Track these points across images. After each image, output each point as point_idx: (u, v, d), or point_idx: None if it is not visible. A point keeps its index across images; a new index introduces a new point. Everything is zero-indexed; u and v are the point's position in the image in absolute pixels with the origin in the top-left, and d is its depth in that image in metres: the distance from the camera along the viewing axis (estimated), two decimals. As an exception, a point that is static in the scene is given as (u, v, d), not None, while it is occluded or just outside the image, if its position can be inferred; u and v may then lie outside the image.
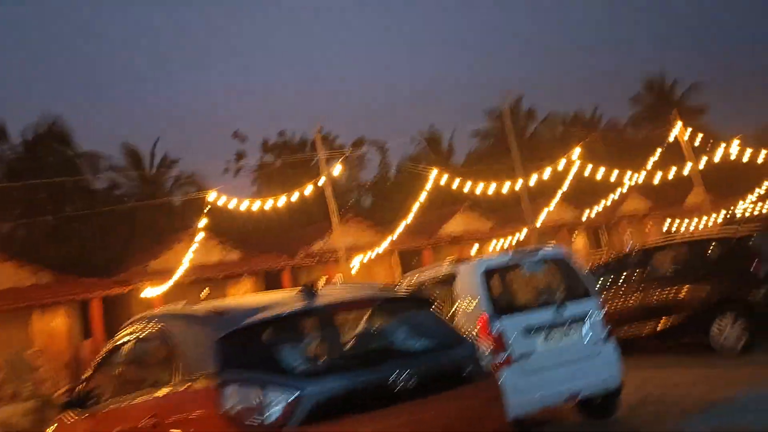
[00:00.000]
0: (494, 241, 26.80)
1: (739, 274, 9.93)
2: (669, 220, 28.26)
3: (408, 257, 26.08)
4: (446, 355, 4.49)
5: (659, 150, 21.58)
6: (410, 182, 38.52)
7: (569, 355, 7.16)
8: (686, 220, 27.79)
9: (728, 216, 14.35)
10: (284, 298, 4.70)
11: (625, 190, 22.81)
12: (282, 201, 17.30)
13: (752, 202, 27.91)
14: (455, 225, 28.52)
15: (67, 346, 19.52)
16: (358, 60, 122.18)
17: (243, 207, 17.40)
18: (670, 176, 21.52)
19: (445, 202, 29.00)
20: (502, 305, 7.19)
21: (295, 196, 17.33)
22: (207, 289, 21.18)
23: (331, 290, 5.00)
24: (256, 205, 17.54)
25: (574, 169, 20.59)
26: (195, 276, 20.17)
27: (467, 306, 7.17)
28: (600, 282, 11.48)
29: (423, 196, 19.14)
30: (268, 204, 17.49)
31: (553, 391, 6.95)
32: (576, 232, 29.86)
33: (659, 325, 10.58)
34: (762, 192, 27.06)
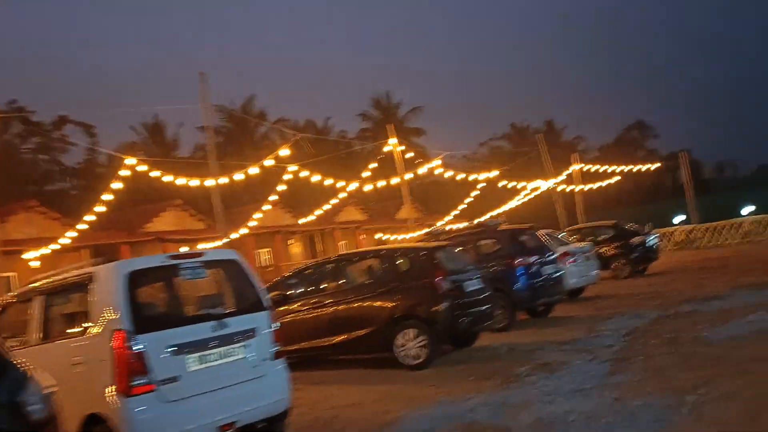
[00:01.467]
0: (209, 244, 25.32)
1: (423, 288, 9.83)
2: (381, 234, 29.28)
3: (103, 255, 23.54)
4: None
5: (373, 163, 22.07)
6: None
7: (228, 378, 6.11)
8: (395, 236, 29.04)
9: (430, 230, 14.70)
10: None
11: (338, 198, 22.89)
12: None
13: (453, 218, 30.29)
14: (163, 223, 26.67)
15: None
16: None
17: None
18: (379, 185, 22.02)
19: (152, 198, 27.03)
20: (147, 319, 5.88)
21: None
22: None
23: None
24: None
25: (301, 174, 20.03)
26: None
27: (103, 320, 5.75)
28: (290, 292, 10.76)
29: (117, 187, 16.98)
30: None
31: (200, 423, 5.83)
32: (292, 238, 29.53)
33: (346, 338, 10.11)
34: (464, 207, 29.38)
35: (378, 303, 10.00)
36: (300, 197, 28.23)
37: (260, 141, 47.92)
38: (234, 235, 20.67)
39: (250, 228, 26.82)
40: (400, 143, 30.47)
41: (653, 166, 36.44)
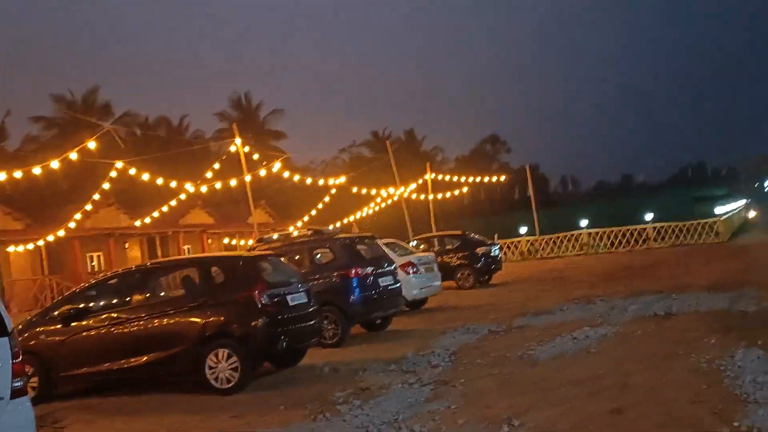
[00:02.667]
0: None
1: (238, 302, 8.83)
2: (227, 239, 27.76)
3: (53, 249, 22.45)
4: None
5: (216, 163, 20.69)
6: None
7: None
8: (245, 241, 27.65)
9: (262, 238, 13.60)
10: None
11: (179, 199, 21.21)
12: None
13: (303, 225, 29.40)
14: (99, 220, 25.39)
15: None
16: None
17: None
18: (217, 186, 20.59)
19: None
20: None
21: None
22: None
23: None
24: None
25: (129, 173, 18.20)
26: None
27: None
28: (90, 305, 9.37)
29: None
30: None
31: None
32: (128, 241, 27.31)
33: (152, 359, 8.89)
34: (315, 214, 28.52)
35: (188, 319, 8.86)
36: (141, 198, 26.14)
37: (104, 135, 44.49)
38: (50, 238, 18.55)
39: (76, 230, 24.54)
40: (258, 146, 29.21)
41: (498, 179, 37.53)
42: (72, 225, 18.03)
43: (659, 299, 13.02)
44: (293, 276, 9.88)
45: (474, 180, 35.14)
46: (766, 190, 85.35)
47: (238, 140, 20.98)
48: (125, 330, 9.00)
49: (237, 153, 21.26)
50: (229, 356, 8.69)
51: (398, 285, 13.07)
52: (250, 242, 13.05)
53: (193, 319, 8.84)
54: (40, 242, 19.21)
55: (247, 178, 18.67)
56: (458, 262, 21.15)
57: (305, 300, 9.67)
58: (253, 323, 8.76)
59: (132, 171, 17.08)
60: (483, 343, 10.49)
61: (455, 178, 34.15)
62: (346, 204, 31.48)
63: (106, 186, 16.96)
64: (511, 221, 48.35)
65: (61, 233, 18.32)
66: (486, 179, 37.07)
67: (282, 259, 10.23)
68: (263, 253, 10.34)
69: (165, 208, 21.87)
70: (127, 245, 27.28)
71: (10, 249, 19.85)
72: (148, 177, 17.72)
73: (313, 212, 28.27)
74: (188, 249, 29.66)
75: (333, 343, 11.68)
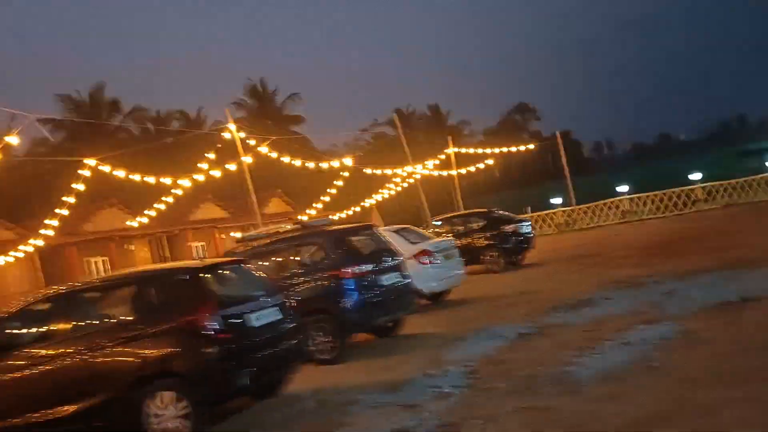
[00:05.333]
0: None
1: (181, 330, 6.80)
2: (241, 232, 25.80)
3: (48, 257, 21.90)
4: None
5: (210, 153, 18.71)
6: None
7: None
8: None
9: (242, 236, 11.55)
10: None
11: (178, 193, 19.32)
12: None
13: (317, 213, 27.38)
14: (100, 222, 24.95)
15: None
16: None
17: None
18: (217, 174, 18.53)
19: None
20: None
21: None
22: None
23: None
24: None
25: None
26: None
27: None
28: (10, 338, 7.44)
29: None
30: None
31: None
32: (133, 243, 25.63)
33: (77, 409, 6.93)
34: (327, 200, 26.34)
35: (121, 355, 6.88)
36: (143, 196, 24.45)
37: (114, 133, 43.09)
38: (36, 242, 16.89)
39: (71, 233, 22.95)
40: (276, 131, 27.16)
41: (526, 149, 34.89)
42: (53, 223, 16.25)
43: (727, 278, 10.58)
44: (258, 288, 7.79)
45: (500, 151, 32.59)
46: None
47: (232, 125, 19.02)
48: (48, 371, 7.06)
49: (245, 139, 19.36)
50: (177, 400, 6.69)
51: (407, 281, 10.91)
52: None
53: (126, 356, 6.84)
54: (30, 248, 17.61)
55: (247, 159, 16.70)
56: (484, 243, 18.91)
57: (277, 317, 7.61)
58: (202, 355, 6.73)
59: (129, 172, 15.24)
60: (509, 354, 8.31)
61: (479, 151, 31.67)
62: (363, 187, 29.35)
63: (80, 187, 15.18)
64: (544, 192, 45.76)
65: (47, 233, 16.59)
66: (514, 149, 34.45)
67: (244, 266, 8.15)
68: (216, 260, 8.27)
69: (162, 206, 20.05)
70: (132, 247, 25.64)
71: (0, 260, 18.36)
72: (141, 175, 15.88)
73: (327, 198, 26.17)
74: (200, 247, 27.97)
75: (329, 359, 9.65)
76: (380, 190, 28.63)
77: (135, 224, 21.50)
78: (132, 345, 6.83)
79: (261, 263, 10.27)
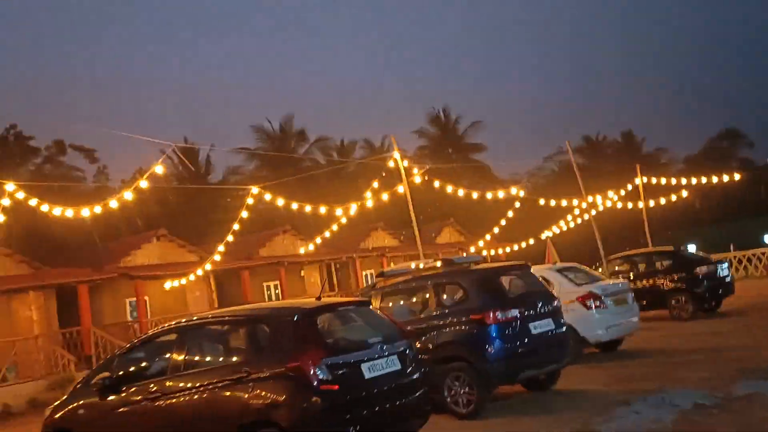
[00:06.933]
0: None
1: (284, 377, 6.16)
2: (410, 262, 25.46)
3: (224, 279, 23.64)
4: None
5: (375, 181, 18.54)
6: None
7: None
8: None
9: (382, 273, 10.84)
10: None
11: (343, 221, 19.42)
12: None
13: (485, 244, 26.26)
14: (274, 248, 26.26)
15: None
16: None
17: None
18: (369, 204, 18.39)
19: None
20: None
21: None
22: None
23: None
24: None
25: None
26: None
27: None
28: (132, 371, 7.35)
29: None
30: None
31: None
32: (303, 268, 26.24)
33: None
34: (496, 231, 25.14)
35: (224, 399, 6.45)
36: (316, 222, 25.09)
37: (299, 162, 45.24)
38: (208, 267, 17.74)
39: (243, 259, 23.98)
40: (457, 160, 26.73)
41: (731, 178, 30.97)
42: (220, 248, 17.10)
43: None
44: (378, 333, 7.01)
45: (698, 181, 29.24)
46: None
47: (396, 154, 18.72)
48: (154, 411, 6.82)
49: (410, 168, 19.06)
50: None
51: (562, 330, 9.56)
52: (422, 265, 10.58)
53: (229, 400, 6.39)
54: (208, 266, 18.60)
55: (406, 185, 16.37)
56: (671, 286, 16.69)
57: (395, 367, 6.78)
58: (303, 407, 6.08)
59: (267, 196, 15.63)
60: (677, 433, 6.76)
61: (673, 181, 28.62)
62: (540, 218, 27.73)
63: (244, 214, 15.67)
64: (753, 229, 40.63)
65: (216, 258, 17.44)
66: (715, 179, 30.80)
67: (369, 307, 7.44)
68: (335, 301, 7.64)
69: (327, 233, 20.26)
70: (303, 273, 26.27)
71: (174, 283, 19.67)
72: (282, 202, 16.12)
73: (496, 230, 24.97)
74: (368, 275, 28.04)
75: (467, 413, 8.63)
76: (560, 223, 26.88)
77: (302, 251, 21.99)
78: (237, 388, 6.36)
79: (397, 302, 9.57)
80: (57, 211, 11.07)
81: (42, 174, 30.23)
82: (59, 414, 7.70)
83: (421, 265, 10.45)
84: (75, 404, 7.60)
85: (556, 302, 9.70)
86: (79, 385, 7.88)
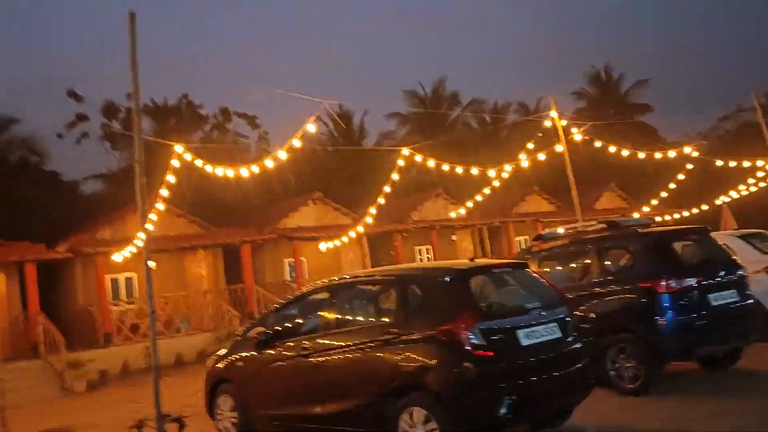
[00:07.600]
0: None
1: (435, 340, 5.82)
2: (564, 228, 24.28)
3: (376, 242, 23.79)
4: None
5: (530, 143, 17.63)
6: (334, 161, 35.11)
7: None
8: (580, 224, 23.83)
9: (541, 235, 10.12)
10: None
11: (496, 184, 18.73)
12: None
13: (651, 210, 24.24)
14: (426, 212, 26.18)
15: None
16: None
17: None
18: (525, 165, 17.40)
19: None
20: None
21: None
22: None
23: None
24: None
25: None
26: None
27: None
28: (286, 328, 7.41)
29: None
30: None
31: None
32: (455, 232, 25.80)
33: (333, 411, 6.53)
34: (664, 195, 23.09)
35: (373, 361, 6.26)
36: (469, 186, 24.53)
37: (451, 126, 44.65)
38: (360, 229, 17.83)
39: (395, 222, 23.97)
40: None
41: None
42: (372, 211, 17.22)
43: None
44: (536, 298, 6.48)
45: None
46: None
47: (553, 113, 17.70)
48: (306, 367, 6.80)
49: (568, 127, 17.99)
50: (426, 419, 5.85)
51: (748, 302, 8.47)
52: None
53: (379, 361, 6.20)
54: (360, 229, 18.84)
55: (559, 148, 15.40)
56: None
57: (555, 335, 6.25)
58: (455, 373, 5.75)
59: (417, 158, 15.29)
60: None
61: None
62: (714, 183, 25.22)
63: (395, 177, 15.52)
64: None
65: (369, 220, 17.56)
66: None
67: (526, 270, 6.91)
68: (491, 262, 7.15)
69: (479, 197, 19.66)
70: (454, 237, 25.86)
71: (329, 245, 20.16)
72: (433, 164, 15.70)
73: (665, 194, 22.97)
74: (522, 241, 27.09)
75: (632, 389, 7.90)
76: (738, 187, 24.27)
77: (453, 215, 21.56)
78: (386, 350, 6.15)
79: (555, 267, 8.94)
80: (219, 171, 11.51)
81: (210, 141, 31.99)
82: (220, 365, 7.99)
83: (583, 229, 9.70)
84: (234, 357, 7.83)
85: (741, 271, 8.60)
86: (237, 339, 8.11)
